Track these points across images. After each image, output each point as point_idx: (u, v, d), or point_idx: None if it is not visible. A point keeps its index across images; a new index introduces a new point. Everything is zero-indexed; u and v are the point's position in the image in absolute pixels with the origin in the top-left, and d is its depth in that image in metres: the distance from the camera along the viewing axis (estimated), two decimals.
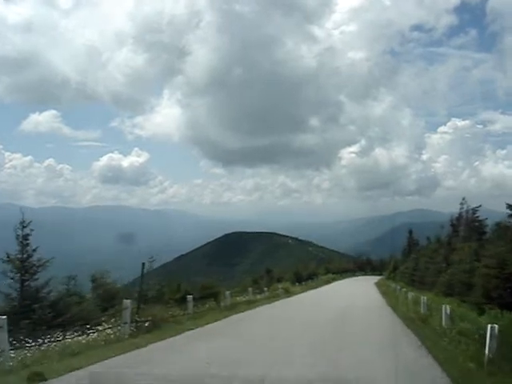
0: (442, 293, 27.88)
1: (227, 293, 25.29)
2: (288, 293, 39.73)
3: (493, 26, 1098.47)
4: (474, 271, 22.99)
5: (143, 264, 17.89)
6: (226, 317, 20.85)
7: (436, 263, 36.71)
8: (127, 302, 15.43)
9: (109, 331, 14.75)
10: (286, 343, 13.86)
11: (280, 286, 39.85)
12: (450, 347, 13.10)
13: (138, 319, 16.09)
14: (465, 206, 48.05)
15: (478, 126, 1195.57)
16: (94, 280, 23.42)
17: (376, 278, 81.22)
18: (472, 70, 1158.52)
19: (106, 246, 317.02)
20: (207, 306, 23.52)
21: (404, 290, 31.77)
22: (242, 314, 22.56)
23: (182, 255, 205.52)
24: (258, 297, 31.80)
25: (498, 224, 35.80)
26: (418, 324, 18.56)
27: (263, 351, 12.57)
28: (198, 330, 16.88)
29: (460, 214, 47.94)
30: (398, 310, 24.51)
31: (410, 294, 26.49)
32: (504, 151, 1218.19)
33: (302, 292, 43.31)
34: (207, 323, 18.46)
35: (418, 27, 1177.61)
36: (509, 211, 29.27)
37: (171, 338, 14.68)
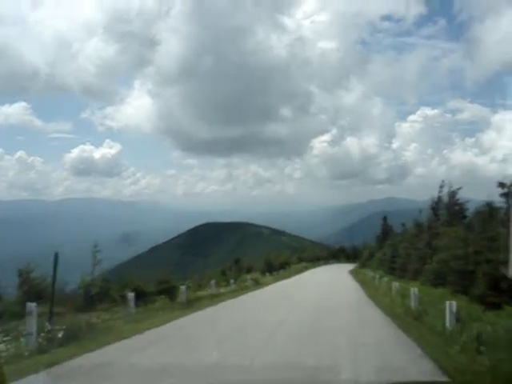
0: (429, 282, 24.32)
1: (183, 288, 21.24)
2: (258, 284, 36.00)
3: (461, 16, 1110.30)
4: (469, 257, 19.45)
5: (56, 255, 13.66)
6: (176, 318, 16.86)
7: (418, 249, 33.28)
8: (31, 306, 11.33)
9: (3, 346, 10.64)
10: (242, 358, 9.90)
11: (249, 276, 35.99)
12: (462, 358, 9.44)
13: (49, 328, 11.97)
14: (444, 190, 44.44)
15: (447, 115, 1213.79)
16: (20, 275, 19.26)
17: (350, 266, 78.33)
18: (441, 59, 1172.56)
19: (79, 239, 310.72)
20: (157, 304, 19.49)
21: (385, 279, 28.16)
22: (196, 313, 18.61)
23: (156, 246, 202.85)
24: (223, 290, 27.92)
25: (479, 211, 31.77)
26: (411, 322, 14.89)
27: (206, 373, 8.68)
28: (134, 338, 12.79)
29: (439, 198, 44.52)
30: (381, 304, 20.89)
31: (394, 285, 22.82)
32: (472, 139, 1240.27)
33: (273, 282, 39.60)
34: (149, 328, 14.40)
35: (388, 17, 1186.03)
36: (500, 190, 25.76)
37: (87, 354, 10.60)
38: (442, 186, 43.65)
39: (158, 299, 19.97)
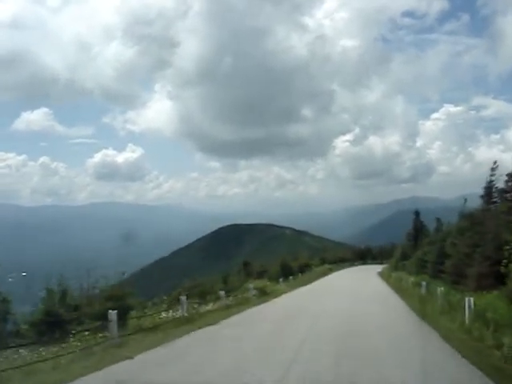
0: None
1: (112, 315, 12.52)
2: (265, 295, 27.61)
3: (484, 10, 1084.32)
4: None
5: None
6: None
7: (476, 246, 24.43)
8: None
9: None
10: None
11: (252, 285, 27.25)
12: None
13: None
14: (496, 173, 34.88)
15: (471, 112, 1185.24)
16: None
17: (378, 268, 69.32)
18: (464, 55, 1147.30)
19: (104, 243, 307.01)
20: (76, 342, 11.20)
21: (440, 289, 19.15)
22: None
23: (178, 249, 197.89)
24: (209, 307, 19.65)
25: None
26: None
27: None
28: None
29: (491, 183, 34.92)
30: (452, 337, 12.28)
31: (469, 301, 13.91)
32: (497, 136, 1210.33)
33: (287, 292, 31.11)
34: None
35: (409, 13, 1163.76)
36: None
37: None
38: (494, 169, 34.23)
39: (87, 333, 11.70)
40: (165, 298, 22.99)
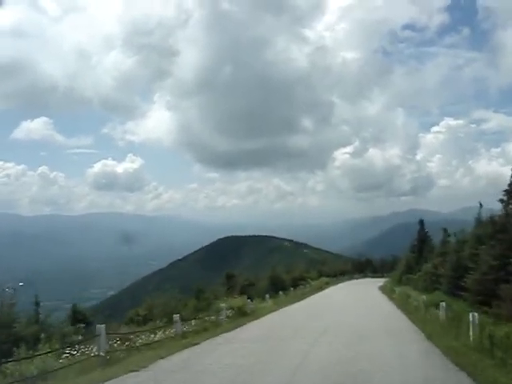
0: None
1: None
2: (242, 316, 21.94)
3: (484, 24, 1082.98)
4: None
5: None
6: None
7: (506, 256, 18.97)
8: None
9: None
10: None
11: (224, 304, 21.33)
12: None
13: None
14: None
15: (472, 125, 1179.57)
16: None
17: (379, 282, 63.56)
18: (464, 68, 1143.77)
19: (102, 253, 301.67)
20: None
21: (474, 315, 13.35)
22: None
23: (176, 261, 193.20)
24: (157, 337, 14.11)
25: None
26: None
27: None
28: None
29: None
30: None
31: None
32: (498, 149, 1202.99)
33: (271, 312, 25.27)
34: None
35: (409, 26, 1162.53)
36: None
37: None
38: None
39: None
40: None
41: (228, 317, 20.85)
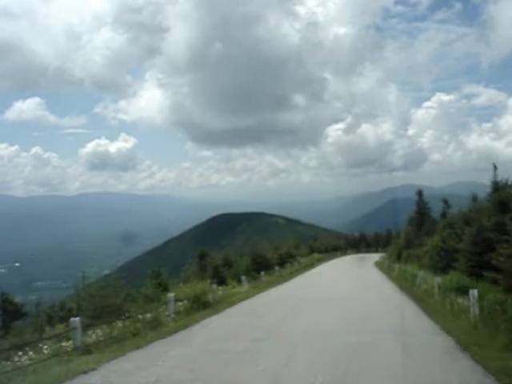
0: None
1: None
2: (202, 308, 16.31)
3: None
4: None
5: None
6: None
7: None
8: None
9: None
10: None
11: (172, 294, 15.30)
12: None
13: None
14: None
15: (463, 100, 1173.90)
16: None
17: (374, 257, 58.46)
18: (456, 43, 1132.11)
19: (96, 233, 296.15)
20: None
21: None
22: None
23: (171, 239, 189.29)
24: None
25: None
26: None
27: None
28: None
29: None
30: None
31: None
32: (489, 124, 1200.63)
33: (242, 300, 19.45)
34: None
35: (401, 1, 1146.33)
36: None
37: None
38: None
39: None
40: None
41: (178, 312, 15.17)
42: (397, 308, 15.82)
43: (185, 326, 13.28)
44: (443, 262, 24.07)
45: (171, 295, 14.95)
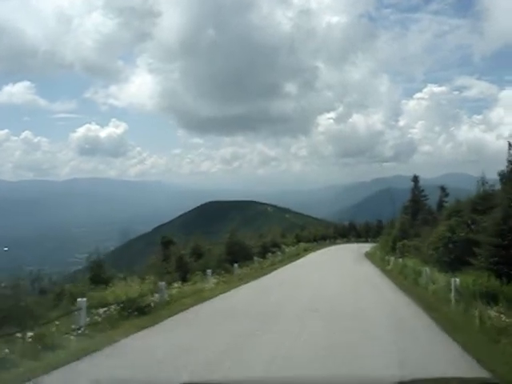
0: None
1: None
2: (136, 315, 11.68)
3: None
4: None
5: None
6: None
7: None
8: None
9: None
10: None
11: (84, 299, 10.60)
12: None
13: None
14: None
15: (455, 92, 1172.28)
16: None
17: (364, 247, 54.27)
18: (448, 35, 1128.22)
19: (86, 218, 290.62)
20: None
21: None
22: None
23: (160, 225, 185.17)
24: None
25: None
26: None
27: None
28: None
29: None
30: None
31: None
32: (480, 116, 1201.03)
33: (197, 303, 14.26)
34: None
35: None
36: None
37: None
38: None
39: None
40: None
41: (95, 324, 10.50)
42: (402, 322, 11.26)
43: (90, 350, 8.61)
44: (451, 256, 19.59)
45: (82, 300, 10.27)
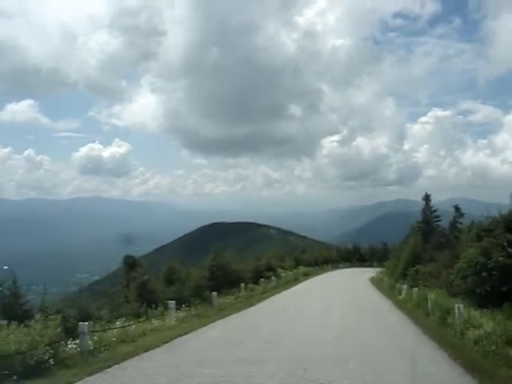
0: None
1: None
2: None
3: (475, 15, 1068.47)
4: None
5: None
6: None
7: None
8: None
9: None
10: None
11: None
12: None
13: None
14: None
15: (459, 116, 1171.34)
16: None
17: (369, 272, 49.51)
18: (453, 59, 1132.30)
19: (87, 238, 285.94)
20: None
21: None
22: None
23: (161, 246, 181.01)
24: None
25: None
26: None
27: None
28: None
29: None
30: None
31: None
32: (484, 141, 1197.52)
33: (133, 356, 10.09)
34: None
35: (400, 15, 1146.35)
36: None
37: None
38: None
39: None
40: None
41: None
42: None
43: None
44: (487, 288, 14.91)
45: None
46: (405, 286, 25.27)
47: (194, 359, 9.84)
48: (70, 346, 9.74)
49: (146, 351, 10.60)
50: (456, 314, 12.72)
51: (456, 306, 12.91)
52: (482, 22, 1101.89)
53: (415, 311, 17.78)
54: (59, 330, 9.64)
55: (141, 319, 14.18)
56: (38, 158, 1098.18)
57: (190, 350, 10.96)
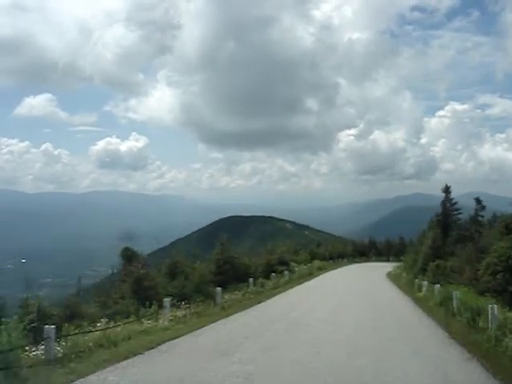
0: None
1: None
2: None
3: (493, 7, 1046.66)
4: None
5: None
6: None
7: None
8: None
9: None
10: None
11: None
12: None
13: None
14: None
15: (477, 110, 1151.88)
16: None
17: (386, 267, 47.79)
18: (471, 52, 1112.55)
19: (105, 232, 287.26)
20: None
21: None
22: None
23: (178, 240, 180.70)
24: None
25: None
26: None
27: None
28: None
29: None
30: None
31: None
32: (502, 135, 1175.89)
33: (94, 371, 8.35)
34: None
35: (418, 8, 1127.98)
36: None
37: None
38: None
39: None
40: None
41: None
42: None
43: None
44: None
45: None
46: (425, 282, 23.47)
47: (177, 373, 8.25)
48: (34, 353, 8.27)
49: (126, 359, 9.07)
50: (489, 316, 11.00)
51: (489, 306, 11.17)
52: (501, 15, 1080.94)
53: (438, 311, 16.02)
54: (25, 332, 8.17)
55: (130, 319, 12.65)
56: (56, 152, 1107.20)
57: (176, 359, 9.35)
